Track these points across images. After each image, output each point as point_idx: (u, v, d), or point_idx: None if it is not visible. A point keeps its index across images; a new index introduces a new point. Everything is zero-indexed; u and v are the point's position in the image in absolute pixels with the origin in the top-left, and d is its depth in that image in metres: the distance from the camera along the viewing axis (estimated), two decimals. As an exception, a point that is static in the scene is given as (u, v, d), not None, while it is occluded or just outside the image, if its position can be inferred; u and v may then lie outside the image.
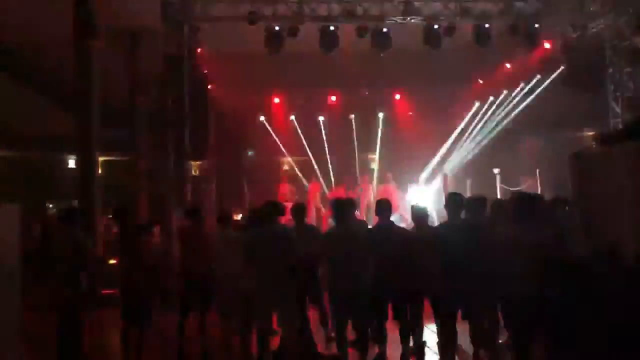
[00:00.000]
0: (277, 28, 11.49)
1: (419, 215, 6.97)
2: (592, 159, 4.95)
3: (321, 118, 16.78)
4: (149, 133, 15.69)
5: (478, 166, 16.19)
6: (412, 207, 7.26)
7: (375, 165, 16.91)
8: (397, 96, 17.31)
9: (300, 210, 7.21)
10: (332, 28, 11.63)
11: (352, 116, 16.91)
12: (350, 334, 6.17)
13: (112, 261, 11.49)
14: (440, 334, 6.42)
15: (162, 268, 8.89)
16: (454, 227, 6.28)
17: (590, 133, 14.76)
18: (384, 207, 6.60)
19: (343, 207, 6.39)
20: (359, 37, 11.86)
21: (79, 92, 10.70)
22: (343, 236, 6.18)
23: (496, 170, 16.48)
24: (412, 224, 7.14)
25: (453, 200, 6.47)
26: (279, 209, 6.61)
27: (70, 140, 16.44)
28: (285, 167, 18.26)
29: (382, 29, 11.78)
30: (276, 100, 16.81)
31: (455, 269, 5.88)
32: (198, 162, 14.10)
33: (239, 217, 11.19)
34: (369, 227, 7.82)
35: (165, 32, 11.46)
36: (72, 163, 18.40)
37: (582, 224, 4.98)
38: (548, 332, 4.86)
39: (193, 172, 12.89)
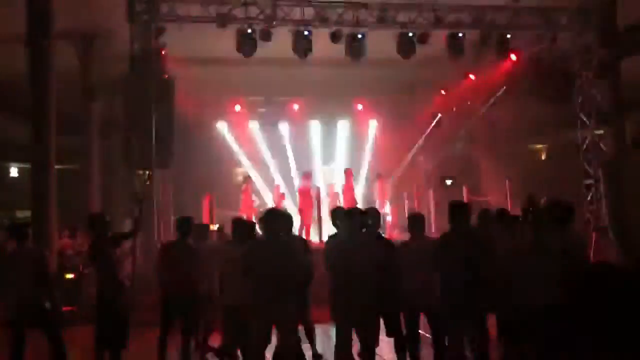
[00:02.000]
0: (249, 30, 10.96)
1: (417, 222, 6.70)
2: (626, 164, 4.79)
3: (283, 126, 16.42)
4: (101, 140, 14.94)
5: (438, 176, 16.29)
6: (410, 214, 7.01)
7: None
8: (360, 106, 17.03)
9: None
10: (306, 33, 11.21)
11: (314, 124, 16.63)
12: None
13: (68, 276, 10.89)
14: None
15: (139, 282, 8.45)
16: (458, 237, 6.05)
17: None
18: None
19: (352, 217, 6.02)
20: (333, 43, 11.50)
21: (35, 97, 9.84)
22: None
23: (449, 182, 16.65)
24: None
25: (457, 210, 6.25)
26: (288, 220, 6.12)
27: (13, 147, 15.60)
28: (240, 177, 17.74)
29: (357, 36, 11.46)
30: (237, 107, 16.24)
31: (461, 282, 5.65)
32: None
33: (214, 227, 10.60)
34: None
35: (130, 32, 10.67)
36: (13, 171, 17.32)
37: (616, 230, 4.86)
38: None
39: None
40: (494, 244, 6.11)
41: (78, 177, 15.03)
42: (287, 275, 5.73)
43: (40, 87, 9.92)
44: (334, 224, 7.06)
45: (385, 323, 6.21)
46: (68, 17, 10.70)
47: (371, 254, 5.87)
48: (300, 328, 6.71)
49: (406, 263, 6.11)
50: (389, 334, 6.28)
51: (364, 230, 6.27)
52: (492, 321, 6.08)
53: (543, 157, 17.81)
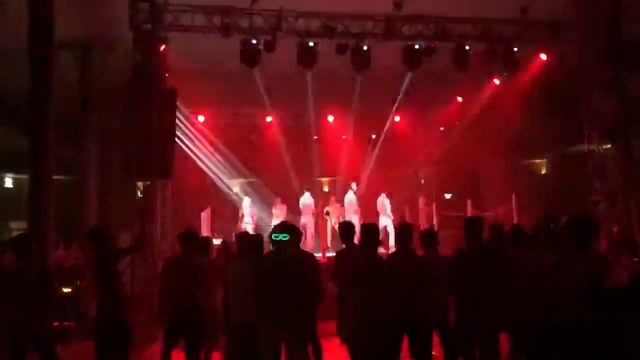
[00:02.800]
0: (254, 41, 10.79)
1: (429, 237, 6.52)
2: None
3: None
4: (97, 151, 14.69)
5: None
6: (423, 230, 6.85)
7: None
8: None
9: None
10: (310, 44, 11.05)
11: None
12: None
13: (65, 290, 10.61)
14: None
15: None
16: (474, 253, 5.87)
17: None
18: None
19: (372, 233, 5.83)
20: (339, 55, 11.35)
21: (35, 106, 9.58)
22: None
23: (448, 196, 16.49)
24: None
25: (473, 225, 6.09)
26: (296, 234, 5.89)
27: (7, 157, 15.31)
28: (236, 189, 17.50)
29: (362, 47, 11.32)
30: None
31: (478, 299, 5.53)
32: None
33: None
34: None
35: (133, 42, 10.47)
36: (8, 182, 17.00)
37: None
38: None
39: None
40: (510, 261, 5.99)
41: (74, 188, 14.76)
42: (297, 291, 5.53)
43: (41, 96, 9.67)
44: (347, 237, 6.88)
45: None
46: (67, 25, 10.51)
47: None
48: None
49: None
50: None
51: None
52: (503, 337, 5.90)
53: (545, 172, 17.69)
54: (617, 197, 11.39)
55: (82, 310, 9.69)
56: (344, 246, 6.97)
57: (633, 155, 11.69)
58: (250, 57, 10.91)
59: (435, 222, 14.21)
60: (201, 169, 15.01)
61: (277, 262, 5.62)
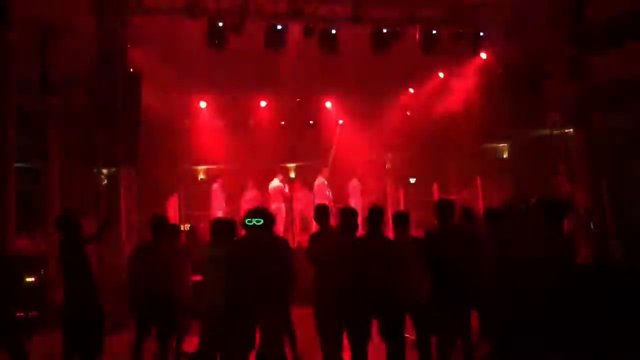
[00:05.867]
0: (220, 24, 10.61)
1: (401, 219, 6.57)
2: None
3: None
4: (60, 137, 14.24)
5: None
6: (396, 212, 6.89)
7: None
8: (329, 104, 16.82)
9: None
10: (279, 27, 10.93)
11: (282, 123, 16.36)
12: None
13: (28, 279, 10.35)
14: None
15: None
16: (447, 235, 5.97)
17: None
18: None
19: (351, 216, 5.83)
20: (306, 37, 11.27)
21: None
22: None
23: (412, 180, 16.63)
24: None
25: (444, 207, 6.20)
26: (270, 219, 5.86)
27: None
28: (202, 176, 17.34)
29: (330, 31, 11.25)
30: (202, 104, 15.78)
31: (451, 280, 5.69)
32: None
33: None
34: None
35: (97, 25, 10.17)
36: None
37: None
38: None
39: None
40: (481, 242, 6.12)
41: (35, 175, 14.33)
42: (271, 276, 5.52)
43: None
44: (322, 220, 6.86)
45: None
46: (27, 7, 10.16)
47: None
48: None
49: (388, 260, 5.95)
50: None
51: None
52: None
53: (507, 155, 17.99)
54: (579, 179, 11.66)
55: (48, 299, 9.48)
56: (318, 229, 6.96)
57: (594, 138, 11.95)
58: (216, 40, 10.70)
59: (402, 206, 14.30)
60: (168, 155, 14.79)
61: (251, 246, 5.61)
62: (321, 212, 6.77)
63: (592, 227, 9.72)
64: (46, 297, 9.62)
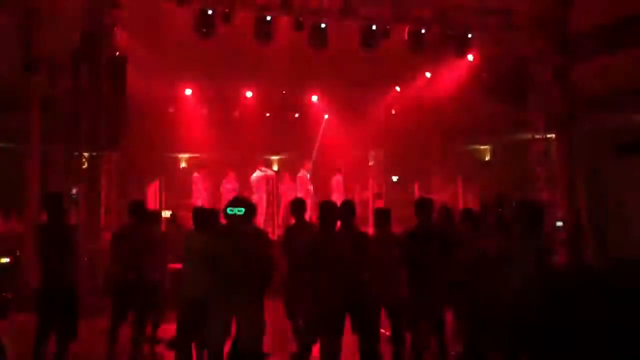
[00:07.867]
0: (210, 11, 10.53)
1: (383, 215, 6.62)
2: (610, 171, 4.83)
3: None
4: (41, 119, 14.05)
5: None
6: (377, 209, 6.95)
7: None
8: (314, 97, 16.84)
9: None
10: (268, 18, 10.89)
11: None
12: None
13: (3, 260, 10.25)
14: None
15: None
16: (425, 233, 6.05)
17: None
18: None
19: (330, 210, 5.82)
20: (296, 31, 11.24)
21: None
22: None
23: (395, 178, 16.74)
24: None
25: (423, 206, 6.26)
26: (251, 209, 5.86)
27: None
28: (184, 164, 17.28)
29: (320, 25, 11.24)
30: (188, 91, 15.68)
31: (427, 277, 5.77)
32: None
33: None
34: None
35: (82, 7, 10.04)
36: None
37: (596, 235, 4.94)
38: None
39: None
40: (456, 241, 6.17)
41: (14, 156, 14.16)
42: (250, 266, 5.52)
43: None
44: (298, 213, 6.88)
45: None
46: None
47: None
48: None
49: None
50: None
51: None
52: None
53: (489, 158, 18.18)
54: (558, 184, 11.82)
55: (23, 280, 9.38)
56: (293, 222, 6.97)
57: (574, 143, 12.11)
58: (205, 28, 10.61)
59: (384, 203, 14.36)
60: (150, 141, 14.68)
61: (232, 236, 5.58)
62: (297, 205, 6.80)
63: (566, 230, 9.89)
64: (22, 278, 9.50)
